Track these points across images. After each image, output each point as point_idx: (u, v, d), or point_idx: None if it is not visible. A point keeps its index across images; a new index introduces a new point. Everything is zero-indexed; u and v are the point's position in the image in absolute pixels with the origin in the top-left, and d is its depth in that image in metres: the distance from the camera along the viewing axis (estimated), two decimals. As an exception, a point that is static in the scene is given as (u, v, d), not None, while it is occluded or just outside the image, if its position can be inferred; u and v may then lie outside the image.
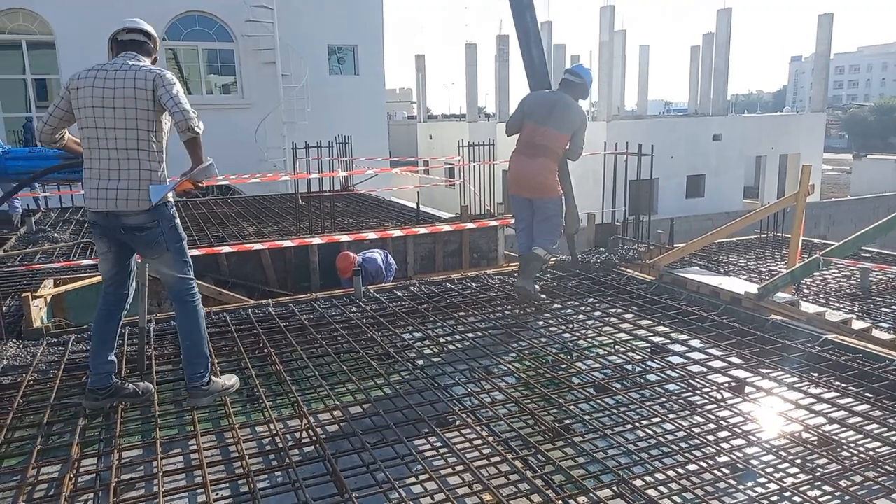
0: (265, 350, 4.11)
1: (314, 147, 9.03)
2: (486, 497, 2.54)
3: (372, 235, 7.48)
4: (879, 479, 2.60)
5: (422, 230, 7.90)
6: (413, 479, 2.66)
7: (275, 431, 3.07)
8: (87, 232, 8.13)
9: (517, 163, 5.06)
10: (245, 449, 2.91)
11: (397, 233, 7.70)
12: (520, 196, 5.07)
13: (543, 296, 5.05)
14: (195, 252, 6.46)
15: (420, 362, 3.91)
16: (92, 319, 4.32)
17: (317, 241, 7.33)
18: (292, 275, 7.60)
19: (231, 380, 3.48)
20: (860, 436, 2.97)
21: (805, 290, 7.11)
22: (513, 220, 5.43)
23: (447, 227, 8.15)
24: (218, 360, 3.95)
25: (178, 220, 3.32)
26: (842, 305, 6.73)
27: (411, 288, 5.55)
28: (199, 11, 15.24)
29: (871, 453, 2.79)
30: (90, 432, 3.13)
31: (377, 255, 7.13)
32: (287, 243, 7.13)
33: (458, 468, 2.73)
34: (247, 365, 3.85)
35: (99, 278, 5.35)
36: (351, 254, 7.15)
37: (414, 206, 9.87)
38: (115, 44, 3.39)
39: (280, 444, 2.94)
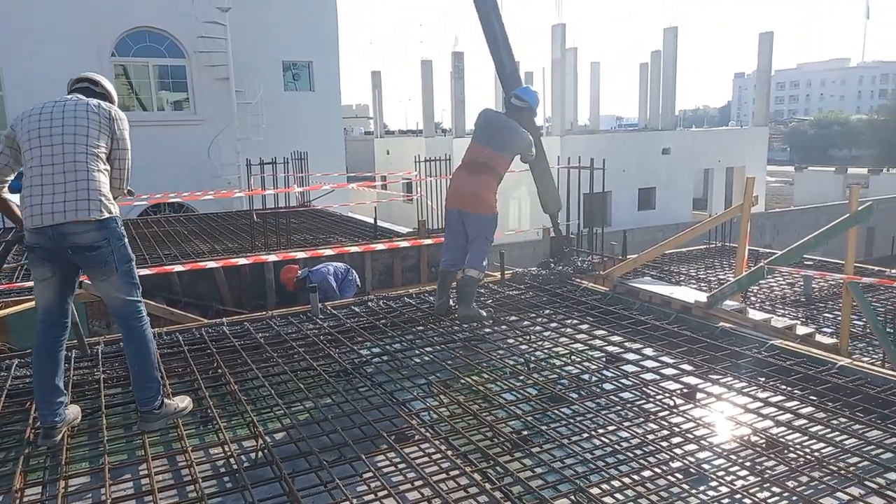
0: (219, 370, 4.03)
1: (269, 163, 8.93)
2: (446, 511, 2.54)
3: (328, 252, 7.43)
4: (824, 479, 2.70)
5: (379, 246, 7.88)
6: (372, 496, 2.64)
7: (229, 453, 3.00)
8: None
9: (458, 177, 5.11)
10: (198, 472, 2.84)
11: (354, 248, 7.67)
12: (455, 210, 5.05)
13: (484, 312, 5.03)
14: (146, 271, 6.31)
15: (378, 378, 3.89)
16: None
17: (272, 258, 7.24)
18: (247, 293, 7.48)
19: (184, 402, 3.40)
20: (805, 437, 3.07)
21: (752, 298, 7.35)
22: None
23: (405, 243, 8.15)
24: (170, 382, 3.85)
25: (126, 240, 3.20)
26: (787, 312, 6.99)
27: (369, 303, 5.52)
28: (149, 27, 14.97)
29: (816, 454, 2.89)
30: (34, 460, 3.01)
31: (329, 266, 7.07)
32: (241, 261, 7.02)
33: (417, 483, 2.72)
34: (200, 386, 3.77)
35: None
36: (294, 266, 7.10)
37: (372, 221, 9.84)
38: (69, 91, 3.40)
39: (235, 466, 2.88)
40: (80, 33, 13.92)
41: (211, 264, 6.91)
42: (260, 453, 3.00)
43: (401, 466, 2.87)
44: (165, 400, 3.27)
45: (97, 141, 3.13)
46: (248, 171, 9.25)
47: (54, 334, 3.16)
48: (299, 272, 7.08)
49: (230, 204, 13.65)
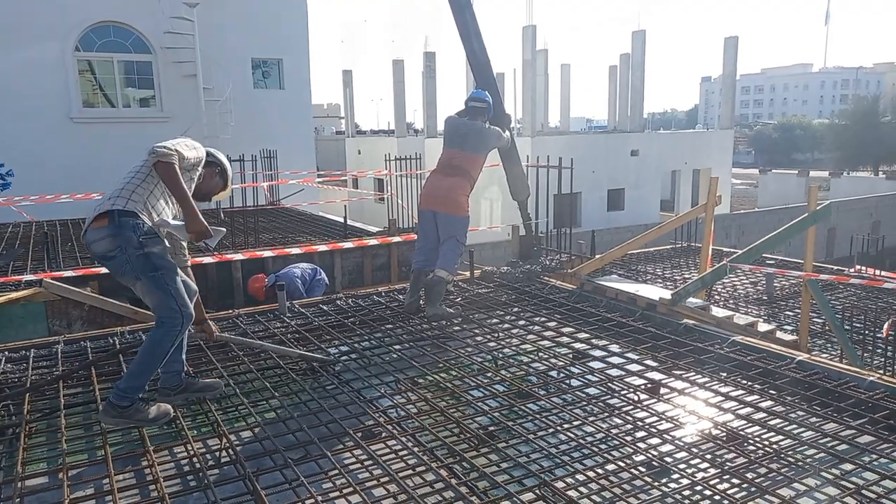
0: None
1: (237, 160, 8.80)
2: (411, 507, 2.54)
3: (297, 251, 7.36)
4: (782, 471, 2.77)
5: (348, 245, 7.84)
6: (337, 493, 2.63)
7: (192, 452, 2.96)
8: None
9: (433, 180, 5.24)
10: (160, 472, 2.79)
11: (323, 248, 7.61)
12: (428, 211, 5.16)
13: (453, 310, 5.06)
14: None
15: (346, 376, 3.88)
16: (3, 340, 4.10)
17: (239, 257, 7.15)
18: (214, 292, 7.37)
19: (160, 409, 3.25)
20: (764, 430, 3.14)
21: (716, 297, 7.50)
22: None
23: (374, 241, 8.12)
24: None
25: (152, 250, 3.10)
26: (749, 310, 7.14)
27: (338, 302, 5.49)
28: (114, 21, 14.64)
29: (774, 446, 2.96)
30: (-11, 462, 2.93)
31: (297, 269, 6.97)
32: (207, 259, 6.92)
33: (383, 479, 2.72)
34: (164, 385, 3.70)
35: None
36: (260, 275, 6.99)
37: (342, 220, 9.78)
38: None
39: (198, 465, 2.84)
40: (42, 27, 13.57)
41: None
42: (224, 452, 2.97)
43: (367, 463, 2.86)
44: (140, 405, 3.18)
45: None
46: (216, 168, 9.07)
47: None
48: (266, 279, 6.97)
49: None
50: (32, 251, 7.75)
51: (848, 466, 2.81)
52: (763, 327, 5.06)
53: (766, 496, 2.57)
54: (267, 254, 7.25)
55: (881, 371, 5.61)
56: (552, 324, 4.86)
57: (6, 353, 4.22)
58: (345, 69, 33.21)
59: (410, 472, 2.78)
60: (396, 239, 8.23)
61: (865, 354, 6.18)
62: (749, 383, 3.69)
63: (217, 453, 2.97)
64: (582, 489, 2.64)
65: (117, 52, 14.90)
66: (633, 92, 26.23)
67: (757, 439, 3.03)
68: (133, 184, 3.16)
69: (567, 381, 3.77)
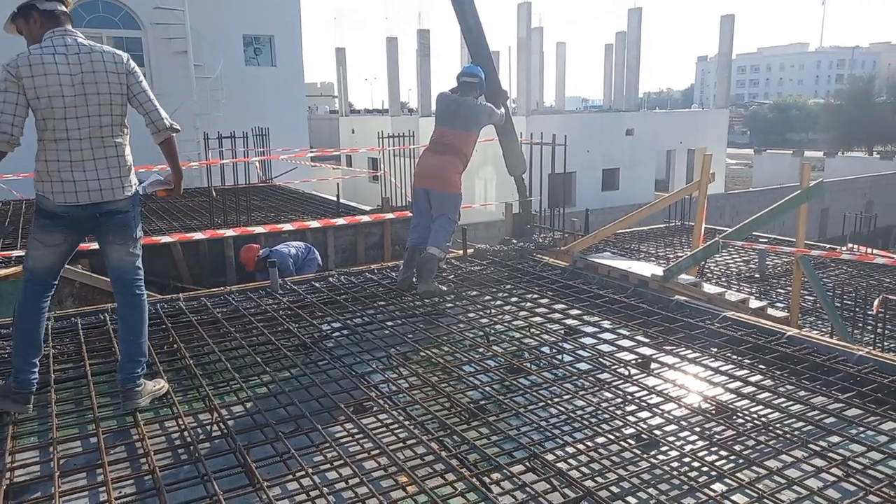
0: (174, 345, 3.96)
1: (227, 137, 8.74)
2: (402, 479, 2.55)
3: (289, 227, 7.33)
4: (770, 443, 2.79)
5: (341, 221, 7.82)
6: (328, 466, 2.64)
7: (184, 426, 2.96)
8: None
9: (425, 158, 5.22)
10: (151, 445, 2.79)
11: (315, 224, 7.58)
12: (421, 189, 5.14)
13: (445, 287, 5.06)
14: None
15: (337, 351, 3.88)
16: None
17: (231, 233, 7.12)
18: (206, 270, 7.35)
19: (159, 384, 3.30)
20: (753, 404, 3.16)
21: (708, 274, 7.52)
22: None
23: (367, 219, 8.09)
24: (123, 357, 3.77)
25: (140, 208, 3.35)
26: (742, 287, 7.16)
27: (330, 279, 5.48)
28: (102, -4, 14.45)
29: (762, 419, 2.98)
30: (-22, 436, 2.92)
31: (290, 248, 6.96)
32: (199, 235, 6.89)
33: (374, 452, 2.73)
34: (154, 361, 3.69)
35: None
36: (254, 245, 6.99)
37: (335, 199, 9.74)
38: (38, 14, 3.05)
39: (189, 439, 2.85)
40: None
41: (167, 239, 6.77)
42: (215, 426, 2.97)
43: (358, 437, 2.87)
44: (145, 382, 3.21)
45: (120, 107, 3.11)
46: (206, 144, 9.02)
47: (46, 293, 3.20)
48: (260, 251, 6.97)
49: (187, 181, 13.34)
50: (22, 228, 7.69)
51: (835, 439, 2.83)
52: (754, 304, 5.08)
53: (754, 467, 2.59)
54: (259, 230, 7.23)
55: (870, 346, 5.65)
56: (544, 300, 4.86)
57: (-4, 329, 4.20)
58: (338, 47, 32.85)
59: (401, 445, 2.80)
60: (389, 216, 8.21)
61: (855, 331, 6.22)
62: (739, 358, 3.71)
63: (208, 427, 2.98)
64: (571, 461, 2.66)
65: (106, 28, 14.70)
66: (628, 71, 26.08)
67: (746, 412, 3.05)
68: (125, 153, 3.18)
69: (558, 357, 3.78)
